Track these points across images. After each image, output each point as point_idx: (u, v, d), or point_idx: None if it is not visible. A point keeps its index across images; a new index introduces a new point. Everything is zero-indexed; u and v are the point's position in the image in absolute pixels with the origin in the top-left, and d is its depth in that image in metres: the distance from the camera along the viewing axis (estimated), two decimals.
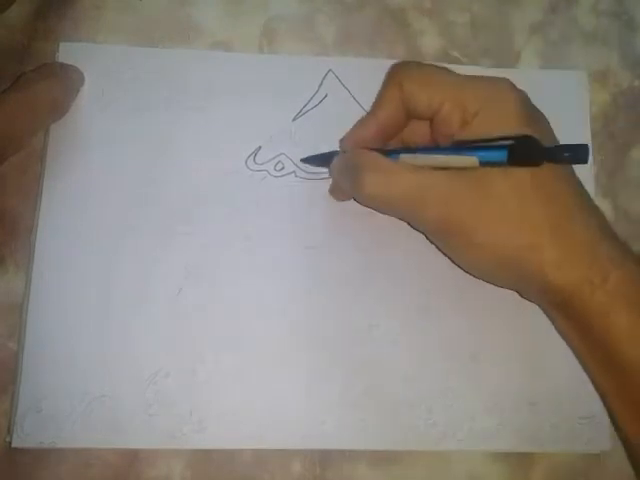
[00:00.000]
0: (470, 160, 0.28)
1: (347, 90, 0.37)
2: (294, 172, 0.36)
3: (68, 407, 0.32)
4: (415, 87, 0.30)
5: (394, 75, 0.31)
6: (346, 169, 0.32)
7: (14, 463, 0.32)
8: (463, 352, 0.34)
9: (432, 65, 0.31)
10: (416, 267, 0.35)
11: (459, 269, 0.32)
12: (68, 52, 0.36)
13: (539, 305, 0.32)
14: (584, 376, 0.32)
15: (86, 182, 0.34)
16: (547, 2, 0.40)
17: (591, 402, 0.33)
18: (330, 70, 0.37)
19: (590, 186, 0.37)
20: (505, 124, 0.28)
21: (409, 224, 0.33)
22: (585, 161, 0.27)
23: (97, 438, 0.32)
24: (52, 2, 0.37)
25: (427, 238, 0.33)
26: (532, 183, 0.28)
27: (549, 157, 0.27)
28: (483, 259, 0.29)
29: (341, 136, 0.33)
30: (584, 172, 0.37)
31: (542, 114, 0.30)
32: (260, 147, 0.36)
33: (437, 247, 0.33)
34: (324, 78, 0.37)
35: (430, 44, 0.39)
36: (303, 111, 0.36)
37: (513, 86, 0.30)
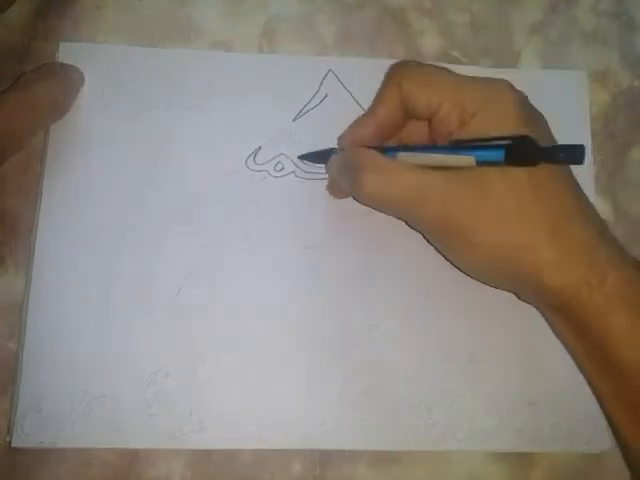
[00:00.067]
0: (467, 159, 0.28)
1: (347, 90, 0.37)
2: (294, 172, 0.36)
3: (68, 407, 0.32)
4: (414, 87, 0.30)
5: (393, 75, 0.31)
6: (345, 167, 0.32)
7: (14, 463, 0.32)
8: (463, 352, 0.34)
9: (431, 65, 0.31)
10: (416, 267, 0.35)
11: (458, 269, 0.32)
12: (68, 52, 0.36)
13: (536, 307, 0.32)
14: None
15: (86, 182, 0.34)
16: (547, 2, 0.40)
17: (591, 402, 0.33)
18: (330, 70, 0.37)
19: (590, 186, 0.37)
20: (503, 124, 0.28)
21: (407, 223, 0.33)
22: (581, 162, 0.27)
23: (97, 438, 0.32)
24: (52, 2, 0.37)
25: (425, 238, 0.33)
26: (530, 183, 0.28)
27: (546, 157, 0.27)
28: (480, 259, 0.29)
29: None
30: (584, 172, 0.37)
31: (540, 114, 0.30)
32: (260, 147, 0.36)
33: (435, 248, 0.33)
34: (324, 78, 0.37)
35: (430, 44, 0.39)
36: (303, 111, 0.36)
37: (512, 87, 0.30)
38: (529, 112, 0.29)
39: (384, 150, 0.30)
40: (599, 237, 0.28)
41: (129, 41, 0.37)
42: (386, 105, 0.31)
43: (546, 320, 0.32)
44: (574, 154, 0.27)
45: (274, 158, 0.36)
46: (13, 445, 0.32)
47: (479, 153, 0.28)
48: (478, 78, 0.30)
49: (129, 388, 0.32)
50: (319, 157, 0.34)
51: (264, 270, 0.34)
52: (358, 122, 0.33)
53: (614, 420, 0.29)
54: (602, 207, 0.37)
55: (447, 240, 0.30)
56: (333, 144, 0.34)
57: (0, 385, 0.33)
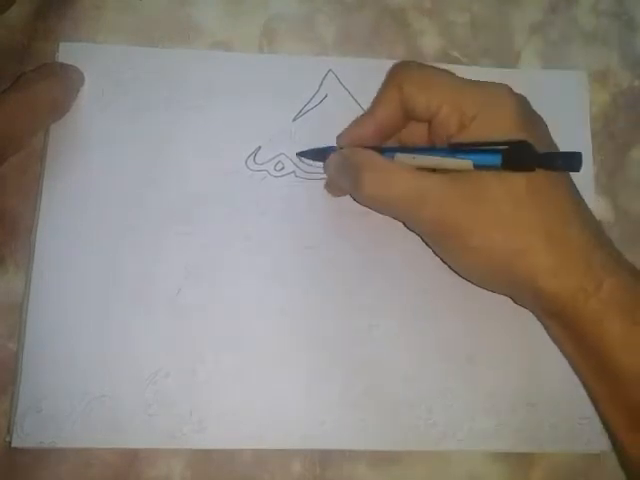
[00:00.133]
0: (465, 163, 0.28)
1: (347, 90, 0.37)
2: (294, 172, 0.36)
3: (68, 407, 0.32)
4: (414, 89, 0.30)
5: (394, 76, 0.31)
6: (344, 167, 0.32)
7: (14, 463, 0.32)
8: (462, 352, 0.34)
9: (433, 67, 0.31)
10: (415, 267, 0.35)
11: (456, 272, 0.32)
12: (68, 52, 0.36)
13: (532, 312, 0.32)
14: None
15: (86, 182, 0.34)
16: (547, 2, 0.40)
17: (590, 402, 0.33)
18: (330, 70, 0.37)
19: (590, 186, 0.37)
20: (502, 128, 0.28)
21: (405, 225, 0.33)
22: (578, 169, 0.27)
23: (97, 438, 0.32)
24: (52, 2, 0.37)
25: (423, 240, 0.33)
26: (527, 188, 0.28)
27: (542, 164, 0.27)
28: (477, 263, 0.29)
29: None
30: (584, 172, 0.36)
31: (540, 119, 0.30)
32: (260, 147, 0.36)
33: (433, 251, 0.33)
34: (324, 78, 0.37)
35: (430, 44, 0.39)
36: (303, 111, 0.36)
37: (512, 91, 0.30)
38: (528, 116, 0.29)
39: (382, 150, 0.30)
40: (595, 243, 0.28)
41: (129, 41, 0.37)
42: (386, 106, 0.31)
43: (542, 324, 0.32)
44: (571, 161, 0.27)
45: (274, 158, 0.36)
46: (13, 445, 0.32)
47: (477, 157, 0.28)
48: (479, 82, 0.30)
49: (129, 388, 0.32)
50: (318, 155, 0.34)
51: (264, 270, 0.34)
52: (357, 122, 0.33)
53: (610, 424, 0.30)
54: (602, 207, 0.37)
55: (444, 243, 0.31)
56: (333, 144, 0.34)
57: (0, 385, 0.33)
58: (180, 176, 0.35)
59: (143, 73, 0.36)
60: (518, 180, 0.28)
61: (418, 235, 0.33)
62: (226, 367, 0.33)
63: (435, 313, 0.34)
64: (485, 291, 0.32)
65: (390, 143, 0.33)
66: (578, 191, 0.30)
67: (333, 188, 0.35)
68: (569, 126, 0.37)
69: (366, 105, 0.34)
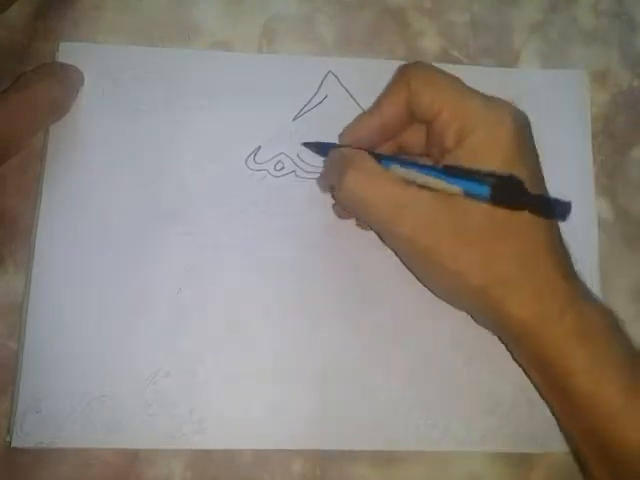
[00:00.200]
0: (455, 189, 0.28)
1: (347, 91, 0.37)
2: (294, 172, 0.36)
3: (68, 407, 0.32)
4: (421, 86, 0.30)
5: (404, 72, 0.31)
6: (335, 163, 0.32)
7: (14, 463, 0.32)
8: (463, 352, 0.34)
9: (444, 71, 0.31)
10: None
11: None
12: (68, 52, 0.36)
13: (497, 336, 0.32)
14: None
15: (86, 182, 0.35)
16: (547, 2, 0.40)
17: None
18: (330, 71, 0.37)
19: (590, 186, 0.37)
20: (495, 152, 0.28)
21: (381, 239, 0.33)
22: (564, 219, 0.28)
23: (97, 438, 0.32)
24: (52, 2, 0.37)
25: (396, 255, 0.33)
26: (509, 220, 0.28)
27: (532, 206, 0.27)
28: (451, 286, 0.30)
29: None
30: (584, 172, 0.37)
31: (534, 148, 0.30)
32: (260, 147, 0.36)
33: (406, 266, 0.33)
34: (324, 78, 0.37)
35: (430, 44, 0.39)
36: (303, 111, 0.36)
37: (514, 112, 0.29)
38: (523, 145, 0.29)
39: (381, 157, 0.30)
40: (563, 274, 0.29)
41: (129, 41, 0.37)
42: (393, 101, 0.31)
43: (507, 348, 0.32)
44: (561, 210, 0.27)
45: (274, 157, 0.36)
46: (13, 445, 0.32)
47: (468, 185, 0.28)
48: (486, 96, 0.29)
49: (129, 388, 0.32)
50: (321, 149, 0.34)
51: (264, 270, 0.34)
52: (362, 117, 0.32)
53: (572, 441, 0.31)
54: (602, 207, 0.37)
55: (418, 262, 0.31)
56: (336, 142, 0.34)
57: (0, 385, 0.33)
58: (180, 176, 0.35)
59: (143, 73, 0.36)
60: (501, 212, 0.28)
61: (391, 249, 0.33)
62: (226, 367, 0.33)
63: (437, 312, 0.34)
64: None
65: (388, 148, 0.33)
66: (556, 223, 0.30)
67: (322, 183, 0.35)
68: (569, 126, 0.37)
69: (366, 105, 0.34)
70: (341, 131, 0.33)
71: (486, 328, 0.32)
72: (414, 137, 0.32)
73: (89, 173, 0.35)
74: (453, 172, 0.28)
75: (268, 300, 0.34)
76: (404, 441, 0.33)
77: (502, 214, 0.28)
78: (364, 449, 0.33)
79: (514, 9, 0.40)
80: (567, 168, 0.36)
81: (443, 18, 0.39)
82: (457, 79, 0.30)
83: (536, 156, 0.30)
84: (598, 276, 0.36)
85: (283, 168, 0.36)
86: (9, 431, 0.32)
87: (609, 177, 0.38)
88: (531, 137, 0.30)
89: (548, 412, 0.33)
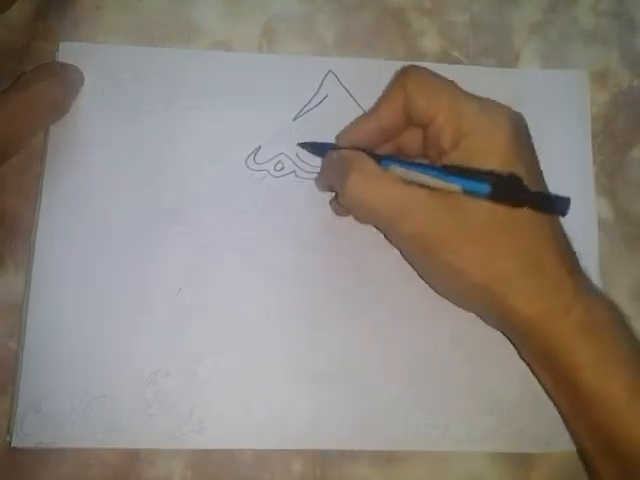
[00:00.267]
0: (454, 187, 0.28)
1: (347, 90, 0.37)
2: (294, 172, 0.36)
3: (68, 407, 0.32)
4: (417, 90, 0.30)
5: (401, 76, 0.31)
6: (335, 165, 0.32)
7: (14, 463, 0.32)
8: (463, 352, 0.34)
9: (440, 75, 0.31)
10: None
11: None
12: (68, 52, 0.36)
13: (504, 333, 0.32)
14: None
15: (86, 182, 0.35)
16: (547, 2, 0.40)
17: None
18: (330, 71, 0.37)
19: (590, 186, 0.37)
20: (492, 154, 0.28)
21: (385, 237, 0.33)
22: (564, 214, 0.28)
23: (97, 438, 0.32)
24: (52, 2, 0.37)
25: (402, 255, 0.33)
26: (510, 215, 0.28)
27: (531, 203, 0.27)
28: (455, 283, 0.30)
29: None
30: (584, 172, 0.37)
31: (532, 148, 0.30)
32: (260, 147, 0.36)
33: (410, 265, 0.33)
34: (324, 78, 0.37)
35: (430, 44, 0.39)
36: (303, 111, 0.36)
37: (511, 114, 0.29)
38: (521, 146, 0.29)
39: (380, 158, 0.30)
40: (569, 270, 0.29)
41: (129, 41, 0.37)
42: (390, 105, 0.31)
43: (513, 346, 0.32)
44: (560, 206, 0.27)
45: (274, 158, 0.36)
46: (13, 445, 0.32)
47: (467, 183, 0.28)
48: (482, 99, 0.30)
49: (129, 388, 0.32)
50: (317, 149, 0.34)
51: (264, 270, 0.34)
52: (359, 120, 0.33)
53: (579, 442, 0.31)
54: (602, 207, 0.37)
55: (423, 259, 0.31)
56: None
57: (0, 385, 0.33)
58: (180, 176, 0.35)
59: (143, 73, 0.36)
60: (501, 208, 0.28)
61: (396, 247, 0.33)
62: (226, 367, 0.33)
63: (437, 311, 0.34)
64: None
65: (387, 149, 0.33)
66: (558, 218, 0.30)
67: (321, 183, 0.35)
68: (569, 126, 0.37)
69: (366, 105, 0.34)
70: (338, 133, 0.33)
71: (493, 327, 0.32)
72: (412, 139, 0.32)
73: (89, 173, 0.35)
74: (452, 171, 0.28)
75: (268, 300, 0.34)
76: (404, 441, 0.33)
77: (503, 211, 0.28)
78: (364, 449, 0.33)
79: (514, 9, 0.40)
80: (567, 168, 0.36)
81: (443, 18, 0.39)
82: (453, 83, 0.30)
83: (534, 155, 0.30)
84: (598, 276, 0.35)
85: (283, 168, 0.36)
86: (9, 431, 0.32)
87: (609, 177, 0.38)
88: (529, 137, 0.30)
89: (548, 412, 0.33)
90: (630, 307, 0.36)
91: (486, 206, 0.28)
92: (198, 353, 0.33)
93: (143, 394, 0.32)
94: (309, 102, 0.36)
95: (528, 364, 0.32)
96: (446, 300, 0.34)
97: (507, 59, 0.39)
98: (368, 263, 0.35)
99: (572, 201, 0.27)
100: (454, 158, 0.29)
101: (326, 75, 0.37)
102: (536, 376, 0.32)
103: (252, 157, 0.36)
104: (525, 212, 0.28)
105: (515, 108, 0.30)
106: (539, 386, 0.33)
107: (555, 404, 0.32)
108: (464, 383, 0.34)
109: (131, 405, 0.32)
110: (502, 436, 0.33)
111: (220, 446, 0.33)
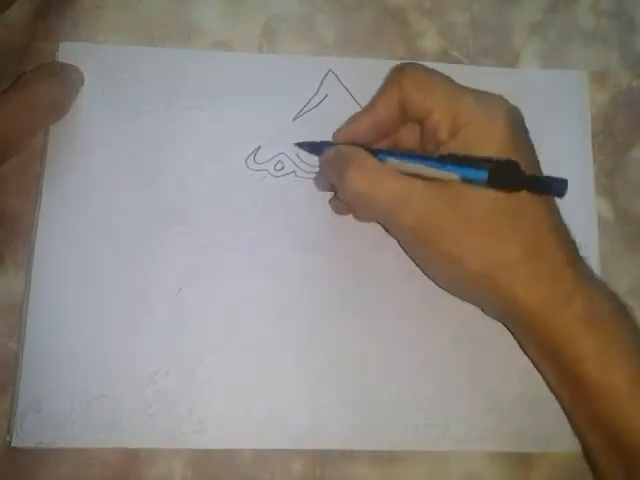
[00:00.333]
0: (452, 176, 0.28)
1: (347, 90, 0.37)
2: (294, 172, 0.36)
3: (68, 407, 0.32)
4: (412, 86, 0.30)
5: (396, 73, 0.31)
6: (333, 161, 0.32)
7: (14, 463, 0.32)
8: (463, 352, 0.34)
9: (436, 71, 0.31)
10: (415, 267, 0.34)
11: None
12: (68, 52, 0.36)
13: (505, 324, 0.32)
14: None
15: (86, 182, 0.35)
16: (547, 2, 0.40)
17: None
18: (330, 70, 0.37)
19: (590, 186, 0.37)
20: (489, 143, 0.28)
21: (386, 230, 0.33)
22: (562, 195, 0.28)
23: (97, 438, 0.32)
24: (52, 2, 0.37)
25: (401, 247, 0.33)
26: (509, 203, 0.28)
27: (529, 186, 0.27)
28: (456, 272, 0.30)
29: None
30: (584, 172, 0.37)
31: (529, 138, 0.30)
32: (260, 147, 0.36)
33: (410, 258, 0.33)
34: (324, 78, 0.37)
35: (430, 44, 0.39)
36: (303, 111, 0.36)
37: (507, 105, 0.29)
38: (518, 135, 0.29)
39: (377, 152, 0.30)
40: (569, 258, 0.29)
41: (129, 41, 0.37)
42: (385, 102, 0.31)
43: (515, 338, 0.32)
44: (557, 187, 0.27)
45: (274, 157, 0.36)
46: (13, 445, 0.32)
47: (464, 171, 0.28)
48: (477, 91, 0.30)
49: (129, 388, 0.32)
50: (315, 148, 0.34)
51: (264, 270, 0.34)
52: (355, 117, 0.33)
53: (582, 436, 0.31)
54: (602, 207, 0.37)
55: (423, 250, 0.31)
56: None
57: (0, 385, 0.33)
58: (180, 176, 0.35)
59: (143, 73, 0.36)
60: (500, 196, 0.28)
61: (396, 239, 0.33)
62: (226, 367, 0.33)
63: (436, 311, 0.34)
64: None
65: (384, 144, 0.33)
66: (557, 206, 0.30)
67: (321, 182, 0.35)
68: (569, 126, 0.37)
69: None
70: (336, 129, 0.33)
71: (494, 318, 0.32)
72: (409, 135, 0.32)
73: (89, 173, 0.35)
74: (449, 160, 0.28)
75: (268, 300, 0.34)
76: (404, 441, 0.33)
77: (502, 199, 0.28)
78: (364, 449, 0.33)
79: (514, 9, 0.40)
80: (567, 168, 0.36)
81: (443, 18, 0.39)
82: (448, 78, 0.30)
83: (531, 145, 0.30)
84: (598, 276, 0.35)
85: (283, 168, 0.36)
86: (9, 431, 0.32)
87: (609, 177, 0.38)
88: (525, 130, 0.30)
89: (548, 412, 0.33)
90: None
91: (485, 194, 0.28)
92: (198, 353, 0.33)
93: (143, 394, 0.32)
94: (309, 102, 0.36)
95: (530, 356, 0.32)
96: (446, 300, 0.34)
97: (507, 59, 0.39)
98: (368, 263, 0.35)
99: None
100: (452, 147, 0.29)
101: (326, 75, 0.37)
102: (538, 369, 0.31)
103: (252, 157, 0.36)
104: (524, 199, 0.28)
105: None
106: (539, 386, 0.33)
107: (557, 397, 0.31)
108: (464, 383, 0.34)
109: (131, 405, 0.32)
110: (502, 436, 0.33)
111: (220, 446, 0.33)
